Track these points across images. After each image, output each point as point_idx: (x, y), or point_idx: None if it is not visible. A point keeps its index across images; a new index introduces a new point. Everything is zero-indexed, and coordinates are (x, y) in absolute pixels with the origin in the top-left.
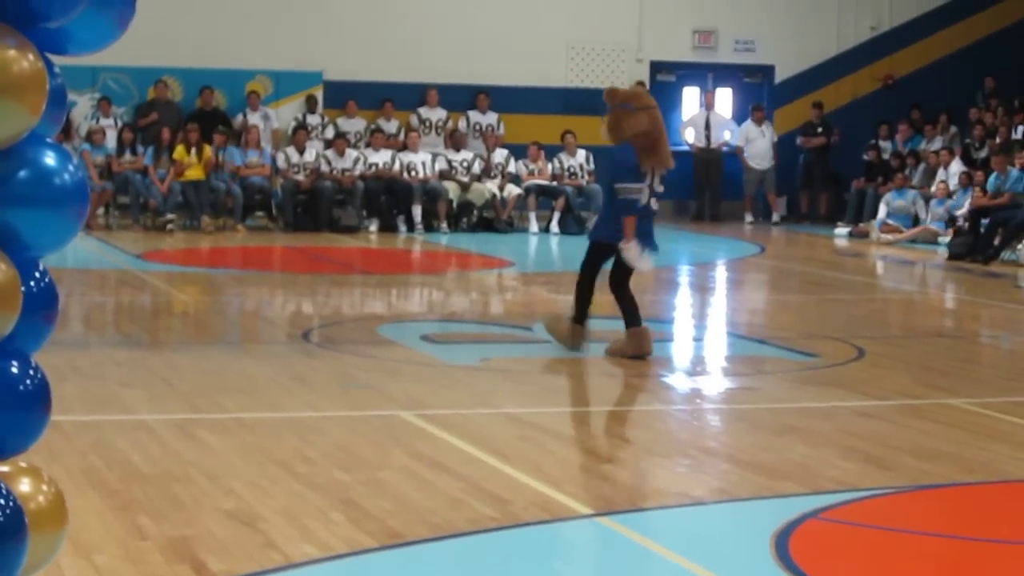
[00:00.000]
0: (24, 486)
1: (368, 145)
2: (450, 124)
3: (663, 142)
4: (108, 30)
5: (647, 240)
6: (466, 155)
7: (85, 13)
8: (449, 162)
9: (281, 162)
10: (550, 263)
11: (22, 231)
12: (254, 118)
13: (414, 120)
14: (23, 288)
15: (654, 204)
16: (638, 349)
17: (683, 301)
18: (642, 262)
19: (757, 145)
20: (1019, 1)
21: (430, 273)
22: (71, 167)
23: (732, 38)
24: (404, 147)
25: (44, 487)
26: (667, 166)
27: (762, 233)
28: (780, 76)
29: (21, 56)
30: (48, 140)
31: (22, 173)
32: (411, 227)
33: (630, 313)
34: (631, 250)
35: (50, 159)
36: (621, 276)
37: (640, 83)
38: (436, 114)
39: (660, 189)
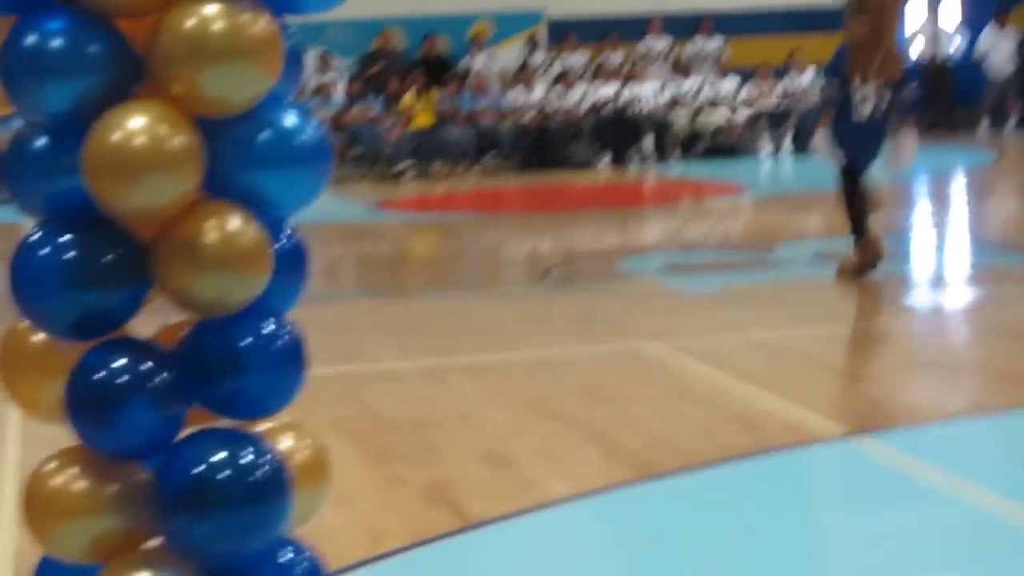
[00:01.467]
0: (286, 442)
1: (594, 79)
2: (674, 52)
3: (887, 47)
4: None
5: (866, 154)
6: (693, 82)
7: None
8: (676, 90)
9: (508, 103)
10: (785, 184)
11: (268, 192)
12: (478, 61)
13: (639, 50)
14: (273, 248)
15: (864, 112)
16: (864, 259)
17: (921, 212)
18: (830, 155)
19: (1000, 52)
20: None
21: (665, 203)
22: (312, 126)
23: None
24: (630, 78)
25: (306, 441)
26: (884, 76)
27: (997, 140)
28: None
29: (255, 18)
30: (287, 100)
31: (263, 135)
32: (642, 159)
33: (855, 223)
34: (817, 140)
35: (290, 119)
36: (848, 185)
37: None
38: (660, 43)
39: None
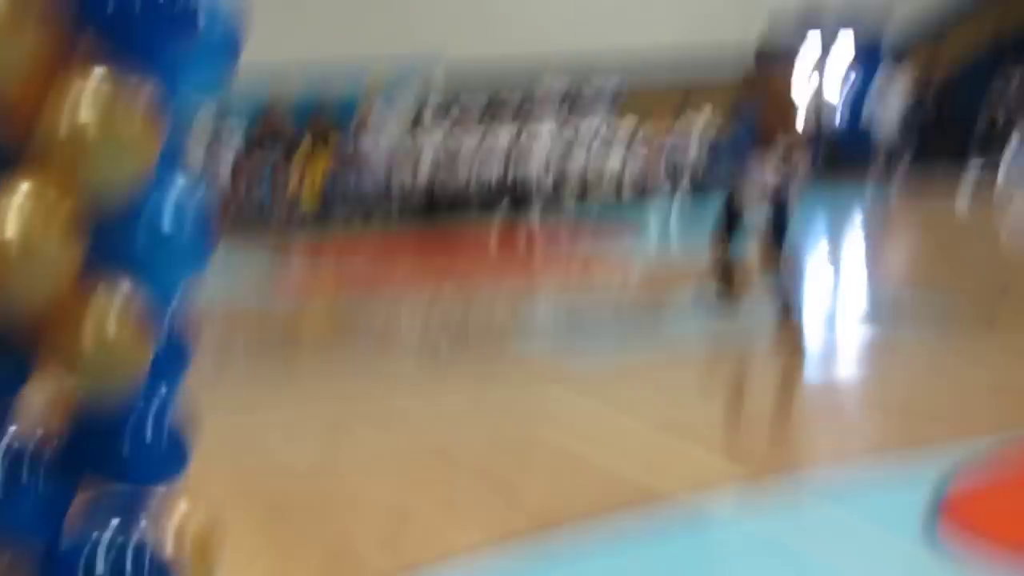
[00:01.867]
0: (180, 509)
1: (492, 121)
2: (573, 94)
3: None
4: (221, 63)
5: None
6: (592, 124)
7: (198, 48)
8: (575, 133)
9: (408, 150)
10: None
11: (153, 269)
12: (379, 110)
13: (536, 93)
14: (156, 328)
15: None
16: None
17: (818, 257)
18: None
19: (885, 100)
20: None
21: (561, 254)
22: (197, 204)
23: None
24: (528, 120)
25: (199, 510)
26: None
27: (889, 183)
28: (898, 20)
29: (136, 100)
30: (171, 177)
31: (148, 211)
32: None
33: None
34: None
35: (175, 196)
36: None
37: None
38: (558, 85)
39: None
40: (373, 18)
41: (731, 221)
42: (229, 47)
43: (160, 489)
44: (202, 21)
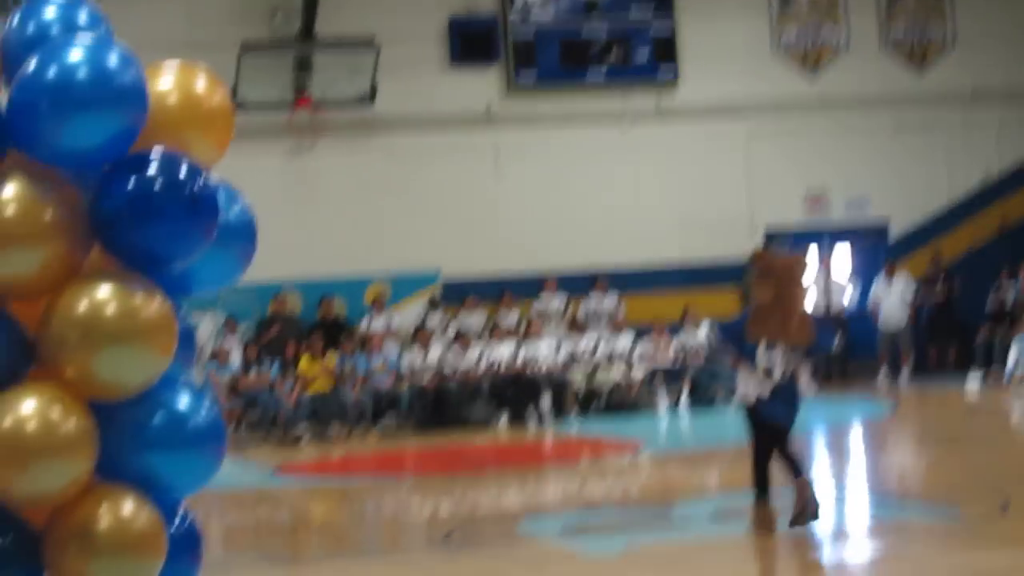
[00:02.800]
0: None
1: (491, 338)
2: (570, 311)
3: (784, 315)
4: (231, 267)
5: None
6: (589, 340)
7: (208, 253)
8: (572, 349)
9: (406, 365)
10: (683, 441)
11: (162, 475)
12: (377, 323)
13: (533, 311)
14: (167, 531)
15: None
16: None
17: (820, 465)
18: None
19: (886, 303)
20: None
21: (564, 463)
22: (206, 407)
23: (843, 199)
24: (526, 336)
25: None
26: (783, 340)
27: (893, 390)
28: (896, 231)
29: (148, 301)
30: (181, 381)
31: (157, 417)
32: (540, 418)
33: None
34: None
35: (185, 401)
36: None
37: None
38: (555, 302)
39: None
40: (374, 238)
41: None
42: (242, 249)
43: None
44: (216, 228)
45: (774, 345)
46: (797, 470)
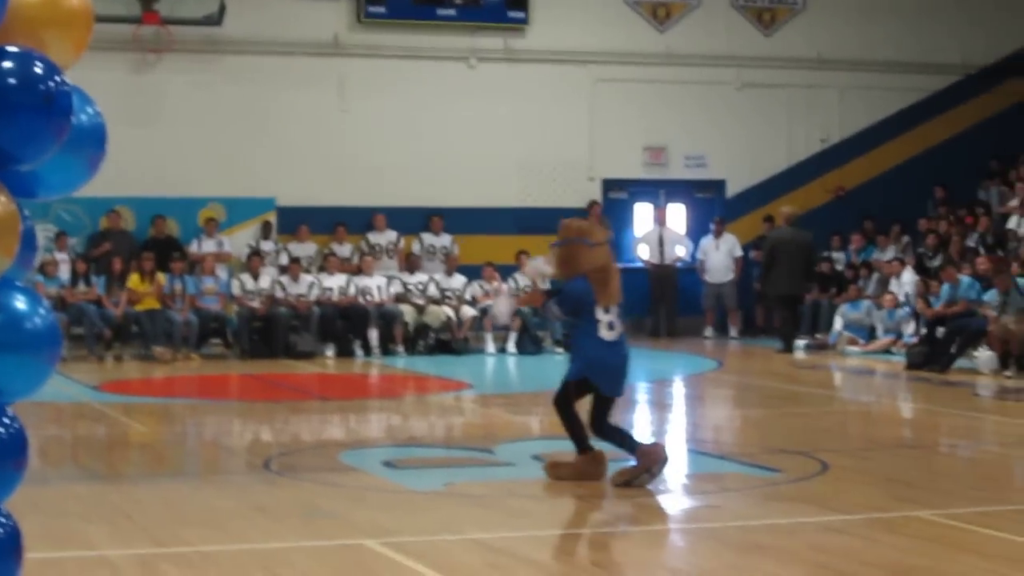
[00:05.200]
0: None
1: (322, 269)
2: (403, 246)
3: (617, 277)
4: (79, 172)
5: (617, 371)
6: (421, 277)
7: (57, 156)
8: (404, 285)
9: (236, 289)
10: (508, 384)
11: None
12: (208, 245)
13: (367, 244)
14: None
15: (613, 336)
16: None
17: (642, 418)
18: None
19: (713, 259)
20: (965, 111)
21: (389, 397)
22: (42, 311)
23: (683, 154)
24: (359, 271)
25: None
26: (619, 301)
27: (720, 348)
28: (732, 190)
29: None
30: (19, 284)
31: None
32: (368, 351)
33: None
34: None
35: (21, 303)
36: (599, 413)
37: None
38: (387, 237)
39: (618, 324)
40: (212, 160)
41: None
42: (92, 155)
43: None
44: (68, 130)
45: (608, 308)
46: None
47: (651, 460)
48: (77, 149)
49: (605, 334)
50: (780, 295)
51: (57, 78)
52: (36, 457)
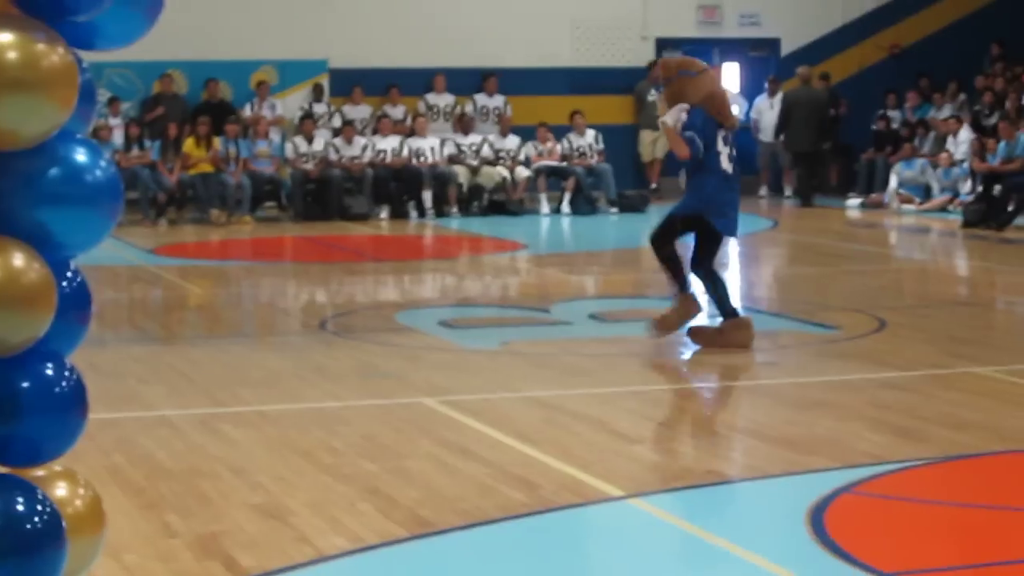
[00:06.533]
0: (61, 490)
1: (375, 132)
2: (457, 108)
3: (728, 102)
4: (137, 24)
5: (732, 209)
6: (475, 139)
7: (114, 7)
8: (458, 146)
9: (289, 152)
10: (563, 244)
11: (55, 231)
12: (262, 109)
13: (421, 106)
14: (57, 289)
15: (731, 169)
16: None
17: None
18: (669, 117)
19: (767, 118)
20: None
21: (444, 258)
22: (103, 163)
23: (737, 12)
24: (412, 133)
25: (81, 491)
26: (735, 125)
27: (775, 207)
28: (786, 49)
29: (51, 50)
30: (79, 136)
31: (54, 171)
32: (422, 213)
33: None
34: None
35: (82, 156)
36: (708, 254)
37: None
38: (443, 99)
39: (734, 153)
40: (262, 23)
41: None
42: (150, 5)
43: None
44: None
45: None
46: (682, 281)
47: (692, 309)
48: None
49: (727, 166)
50: (796, 152)
51: None
52: (94, 320)
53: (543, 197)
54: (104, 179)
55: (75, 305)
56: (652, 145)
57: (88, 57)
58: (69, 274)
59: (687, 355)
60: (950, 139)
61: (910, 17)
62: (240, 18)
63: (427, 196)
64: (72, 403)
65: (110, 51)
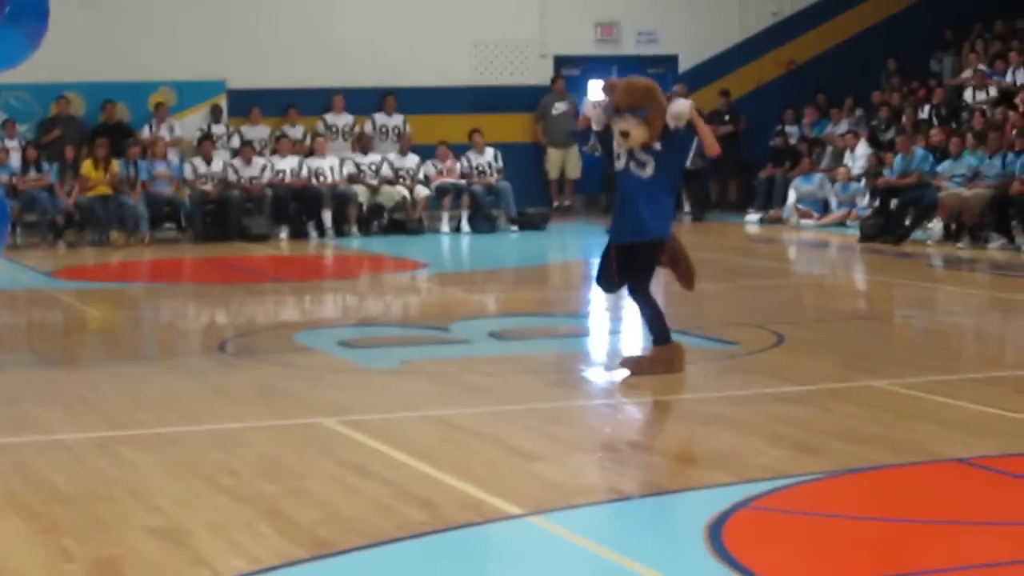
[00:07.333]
0: None
1: (274, 152)
2: (356, 128)
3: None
4: (20, 47)
5: None
6: (374, 158)
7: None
8: (357, 166)
9: (188, 173)
10: (463, 263)
11: None
12: (160, 130)
13: (320, 125)
14: None
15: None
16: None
17: (598, 294)
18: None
19: None
20: None
21: (344, 278)
22: None
23: (635, 29)
24: (311, 152)
25: None
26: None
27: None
28: (684, 65)
29: None
30: None
31: None
32: (322, 232)
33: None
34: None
35: None
36: (647, 277)
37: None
38: (342, 119)
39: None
40: (160, 43)
41: None
42: (34, 27)
43: None
44: (8, 4)
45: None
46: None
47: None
48: (17, 22)
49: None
50: None
51: None
52: None
53: (443, 216)
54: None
55: None
56: (560, 163)
57: None
58: None
59: (586, 372)
60: (847, 154)
61: (807, 33)
62: (137, 39)
63: (327, 216)
64: None
65: (5, 73)
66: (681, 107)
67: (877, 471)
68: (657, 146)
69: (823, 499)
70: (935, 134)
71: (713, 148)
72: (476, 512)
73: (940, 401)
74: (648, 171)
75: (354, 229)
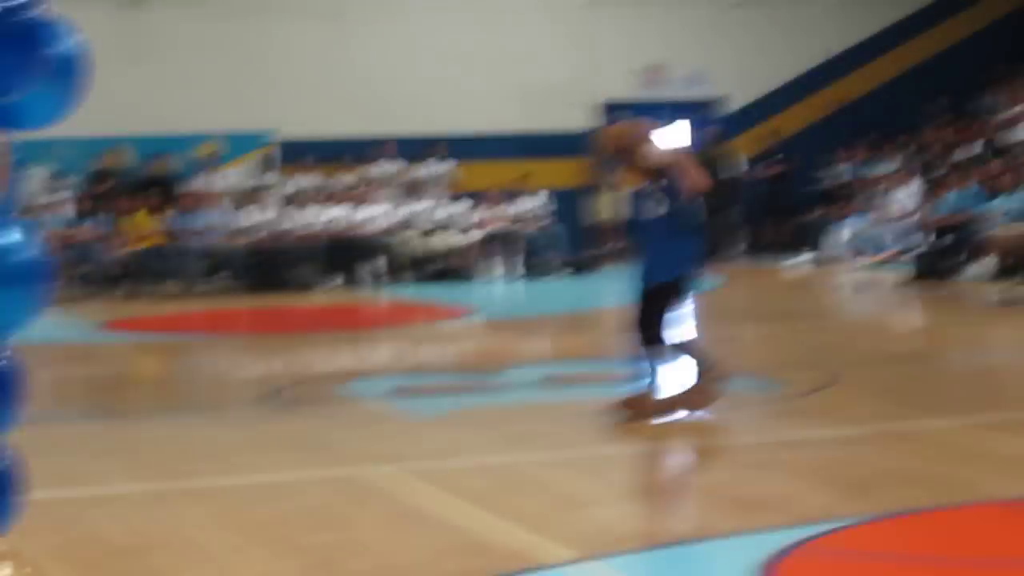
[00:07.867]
0: (5, 570)
1: (326, 201)
2: (407, 175)
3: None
4: (62, 104)
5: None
6: (425, 205)
7: (39, 88)
8: (408, 213)
9: (240, 223)
10: (516, 308)
11: None
12: (211, 180)
13: (371, 173)
14: None
15: None
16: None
17: None
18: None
19: None
20: (964, 20)
21: (395, 326)
22: (34, 244)
23: (683, 72)
24: (362, 200)
25: (27, 571)
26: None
27: (724, 265)
28: (734, 105)
29: None
30: (9, 216)
31: None
32: (374, 280)
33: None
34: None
35: (11, 236)
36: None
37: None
38: (393, 166)
39: None
40: (209, 95)
41: None
42: (75, 84)
43: None
44: (50, 60)
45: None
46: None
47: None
48: (60, 80)
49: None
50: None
51: (35, 6)
52: (43, 398)
53: (495, 261)
54: (34, 261)
55: (6, 387)
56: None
57: (36, 132)
58: (2, 355)
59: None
60: (898, 192)
61: (856, 70)
62: (187, 91)
63: (379, 263)
64: (8, 483)
65: (56, 127)
66: (650, 150)
67: (932, 512)
68: (664, 182)
69: (878, 541)
70: (988, 170)
71: (695, 184)
72: (529, 558)
73: (996, 440)
74: (662, 209)
75: (406, 277)
